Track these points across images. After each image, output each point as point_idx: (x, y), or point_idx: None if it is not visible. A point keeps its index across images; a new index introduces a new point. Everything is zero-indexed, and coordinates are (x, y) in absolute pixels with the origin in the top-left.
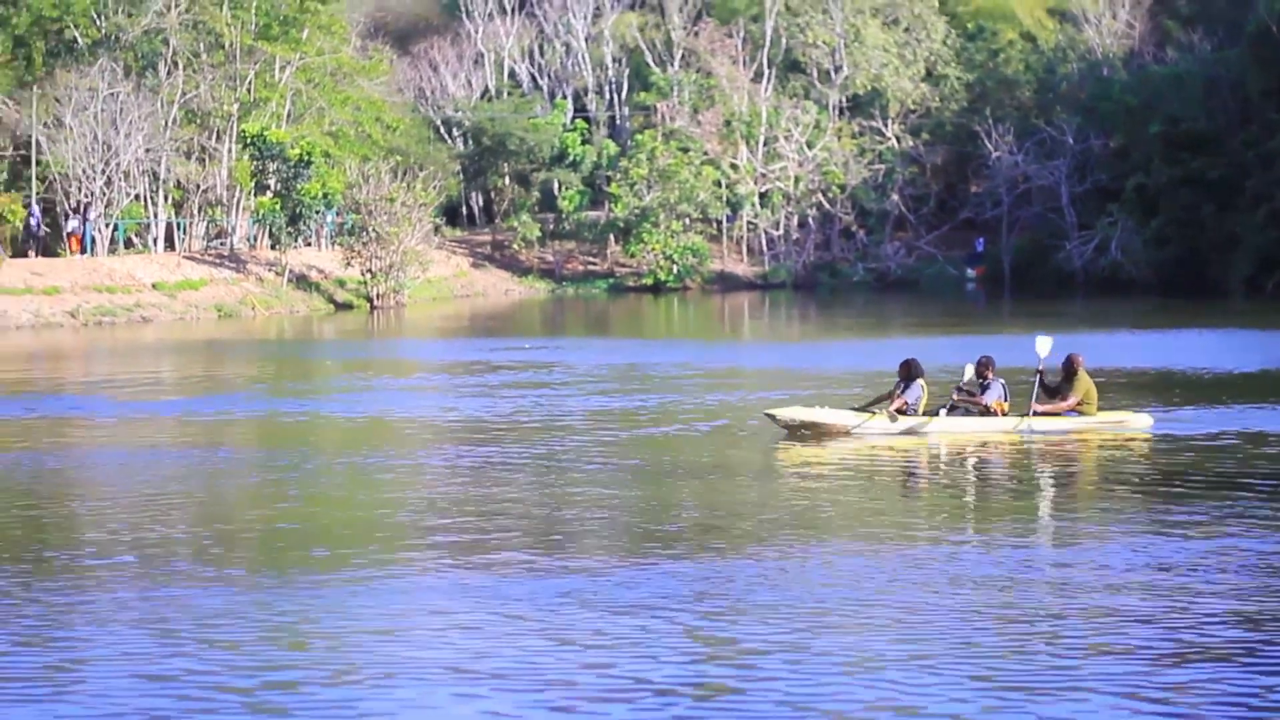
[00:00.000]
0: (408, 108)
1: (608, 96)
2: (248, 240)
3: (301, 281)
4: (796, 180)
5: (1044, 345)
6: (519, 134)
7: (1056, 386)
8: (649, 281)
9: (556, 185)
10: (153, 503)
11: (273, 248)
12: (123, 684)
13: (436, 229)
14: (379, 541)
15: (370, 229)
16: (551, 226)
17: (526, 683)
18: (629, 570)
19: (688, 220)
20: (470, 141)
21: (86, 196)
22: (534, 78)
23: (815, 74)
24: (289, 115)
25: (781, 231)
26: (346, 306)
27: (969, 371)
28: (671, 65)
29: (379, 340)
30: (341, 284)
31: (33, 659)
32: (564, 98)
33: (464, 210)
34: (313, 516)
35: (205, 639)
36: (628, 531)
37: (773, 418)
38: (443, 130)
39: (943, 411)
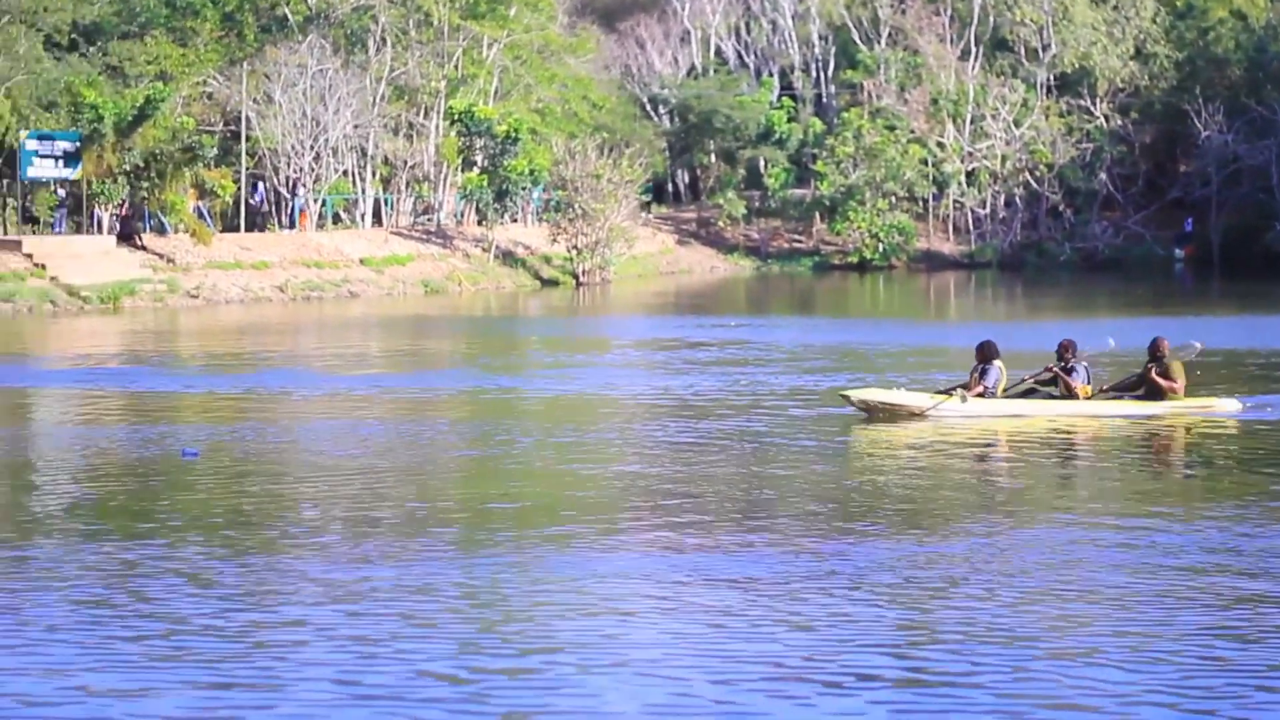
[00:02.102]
0: (614, 85)
1: (814, 74)
2: (454, 216)
3: (508, 258)
4: (1003, 159)
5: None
6: (725, 111)
7: (1142, 374)
8: (854, 260)
9: (762, 163)
10: (363, 476)
11: (479, 224)
12: (321, 658)
13: (644, 206)
14: (579, 517)
15: (576, 205)
16: (757, 204)
17: (721, 661)
18: (829, 547)
19: (894, 198)
20: (676, 119)
21: (295, 172)
22: (740, 55)
23: (1023, 52)
24: (496, 92)
25: (988, 210)
26: (552, 283)
27: (1111, 343)
28: (878, 43)
29: (585, 317)
30: (547, 260)
31: (241, 627)
32: (770, 75)
33: (670, 187)
34: (518, 492)
35: (408, 611)
36: (828, 509)
37: (847, 399)
38: (649, 107)
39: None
